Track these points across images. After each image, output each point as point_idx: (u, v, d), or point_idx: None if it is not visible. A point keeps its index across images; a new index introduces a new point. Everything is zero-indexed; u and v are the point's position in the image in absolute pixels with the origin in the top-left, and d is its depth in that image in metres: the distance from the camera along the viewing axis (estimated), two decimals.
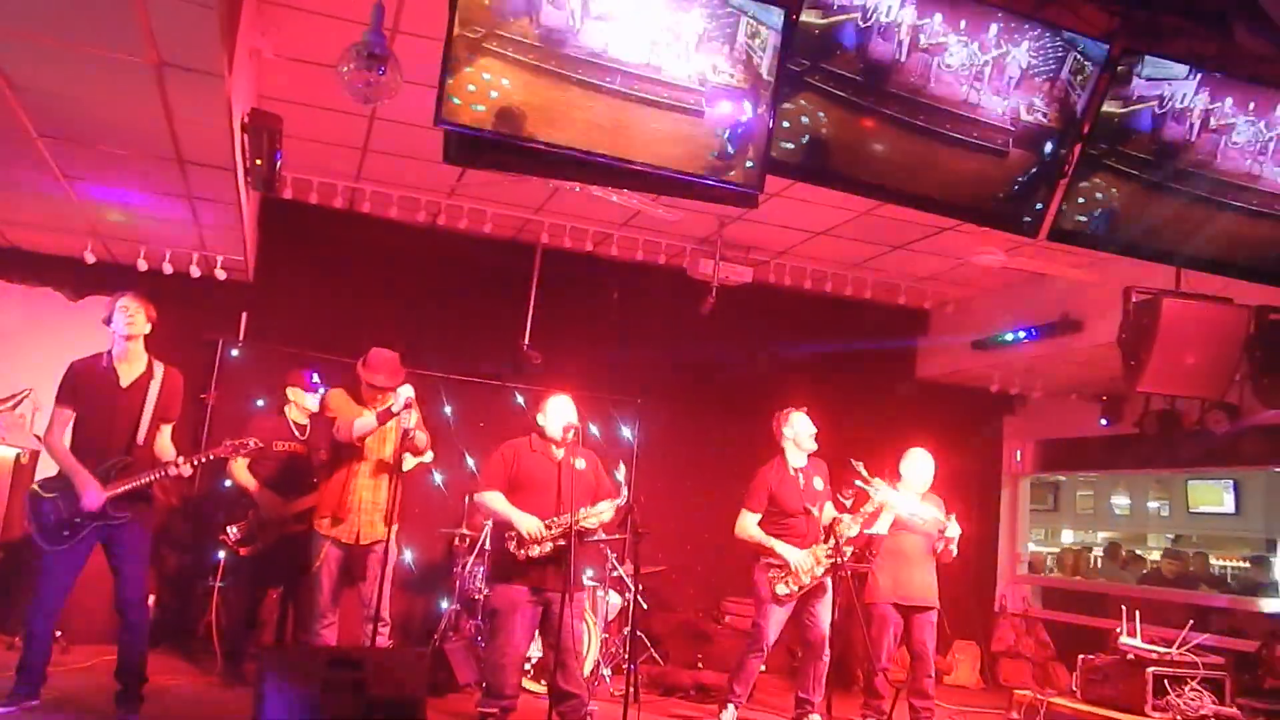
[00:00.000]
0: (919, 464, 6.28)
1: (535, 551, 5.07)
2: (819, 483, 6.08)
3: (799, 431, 6.05)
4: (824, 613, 5.94)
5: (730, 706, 5.94)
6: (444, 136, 3.85)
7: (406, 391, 5.20)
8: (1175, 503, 10.75)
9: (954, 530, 6.13)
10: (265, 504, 5.86)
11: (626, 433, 8.32)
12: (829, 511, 6.04)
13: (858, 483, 6.00)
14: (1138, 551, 10.67)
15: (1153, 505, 11.25)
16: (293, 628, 6.09)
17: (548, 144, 3.73)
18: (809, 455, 6.09)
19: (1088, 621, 8.89)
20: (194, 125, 4.62)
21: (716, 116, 3.86)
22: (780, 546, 5.84)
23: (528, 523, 5.09)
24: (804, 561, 5.80)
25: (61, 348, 5.12)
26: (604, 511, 5.35)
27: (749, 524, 5.97)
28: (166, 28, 3.65)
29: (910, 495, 6.19)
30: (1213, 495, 10.09)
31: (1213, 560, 9.78)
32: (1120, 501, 11.68)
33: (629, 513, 5.57)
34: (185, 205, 5.89)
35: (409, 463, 5.61)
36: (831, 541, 5.85)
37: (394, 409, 5.14)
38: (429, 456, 5.88)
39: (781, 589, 5.81)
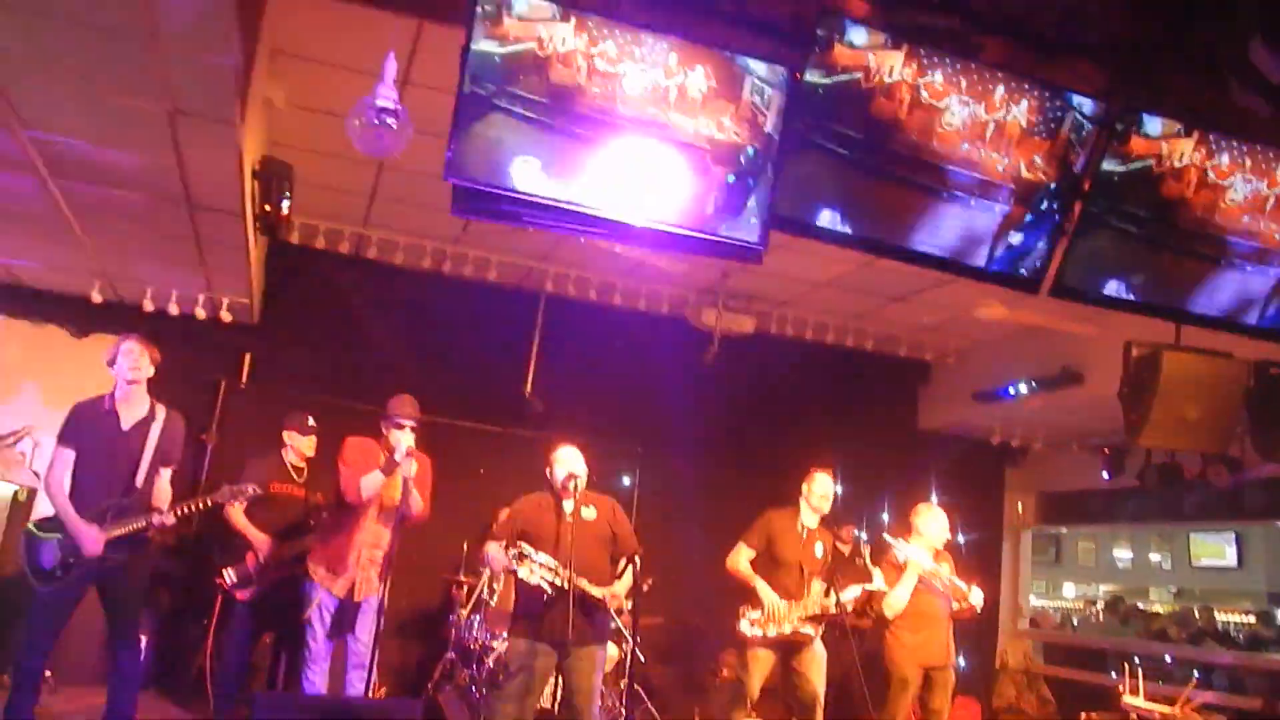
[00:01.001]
0: (934, 520, 6.20)
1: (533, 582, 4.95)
2: (819, 549, 6.04)
3: (812, 490, 6.06)
4: (814, 672, 5.88)
5: None
6: (452, 189, 3.89)
7: (407, 440, 5.24)
8: (1177, 556, 10.70)
9: (977, 599, 6.11)
10: (261, 547, 5.84)
11: (626, 482, 8.30)
12: (816, 586, 5.93)
13: (887, 537, 5.98)
14: (1140, 605, 10.59)
15: (1155, 558, 11.20)
16: (285, 674, 6.04)
17: (554, 199, 3.77)
18: (820, 520, 6.08)
19: (1090, 678, 8.80)
20: (206, 171, 4.69)
21: (722, 173, 3.91)
22: (761, 587, 5.84)
23: (520, 568, 4.96)
24: (780, 608, 5.78)
25: (64, 385, 5.16)
26: (625, 582, 5.23)
27: (740, 558, 5.99)
28: (184, 77, 3.73)
29: (927, 553, 6.14)
30: (1215, 549, 10.04)
31: (1216, 614, 9.70)
32: (1122, 554, 11.62)
33: (630, 564, 5.53)
34: (193, 248, 5.94)
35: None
36: (818, 599, 5.80)
37: (396, 457, 5.16)
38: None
39: (747, 626, 5.80)
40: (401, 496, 5.16)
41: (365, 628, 5.24)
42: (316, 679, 5.26)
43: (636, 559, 5.19)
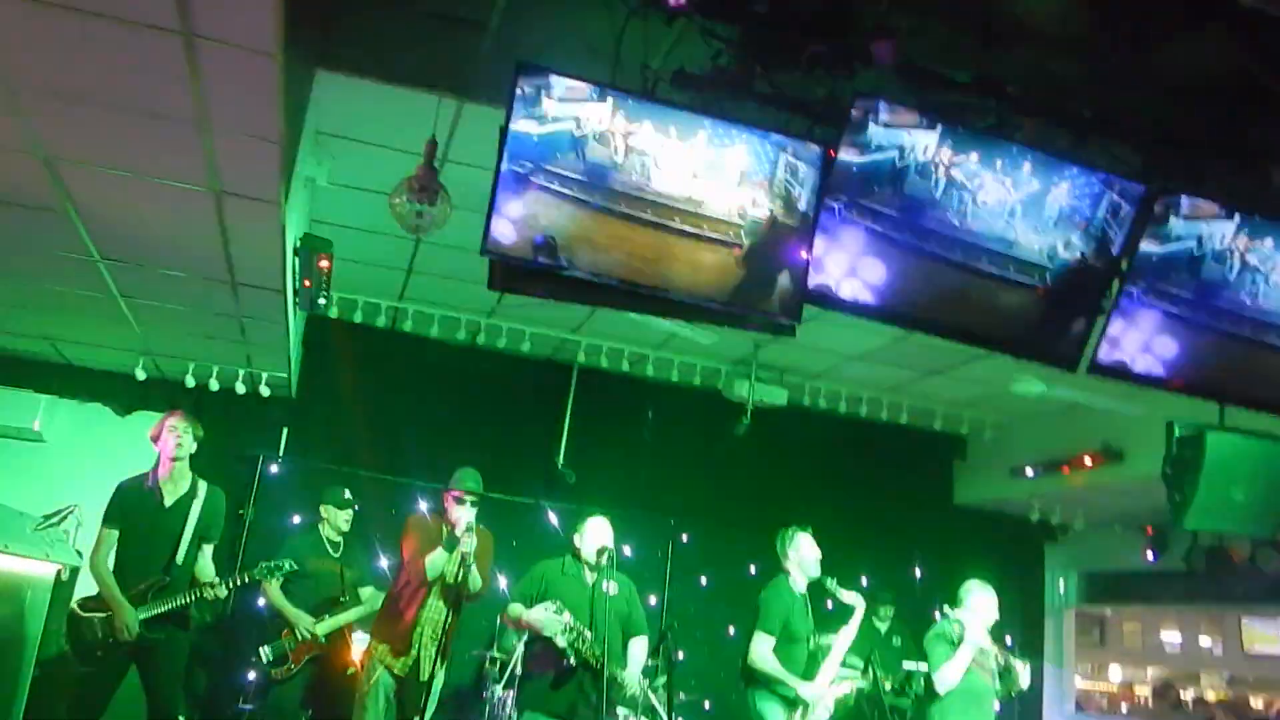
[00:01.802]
0: (985, 597, 5.95)
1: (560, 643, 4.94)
2: (809, 612, 5.87)
3: (804, 556, 5.84)
4: None
5: None
6: (489, 264, 3.95)
7: (468, 516, 5.26)
8: (1229, 641, 10.33)
9: (1024, 679, 5.92)
10: (298, 623, 5.81)
11: (659, 555, 8.22)
12: (827, 641, 5.81)
13: (946, 609, 5.82)
14: (1191, 691, 10.22)
15: (1205, 643, 10.83)
16: None
17: (589, 273, 3.81)
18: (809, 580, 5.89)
19: None
20: (249, 249, 4.78)
21: (755, 249, 3.93)
22: (798, 682, 5.56)
23: (537, 616, 5.02)
24: (820, 697, 5.58)
25: (109, 462, 5.22)
26: (632, 665, 5.22)
27: (765, 650, 5.63)
28: (231, 160, 3.83)
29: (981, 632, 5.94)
30: (1269, 635, 9.70)
31: (1270, 703, 9.33)
32: (1170, 638, 11.26)
33: (663, 639, 5.46)
34: (235, 324, 6.05)
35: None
36: (848, 675, 5.65)
37: (457, 533, 5.17)
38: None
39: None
40: (460, 573, 5.16)
41: (428, 710, 5.22)
42: None
43: (670, 632, 5.16)
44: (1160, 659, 11.30)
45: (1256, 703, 9.46)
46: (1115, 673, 11.71)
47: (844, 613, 5.86)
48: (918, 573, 8.63)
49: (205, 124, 3.58)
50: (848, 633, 5.80)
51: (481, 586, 5.39)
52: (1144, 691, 10.76)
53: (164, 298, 5.72)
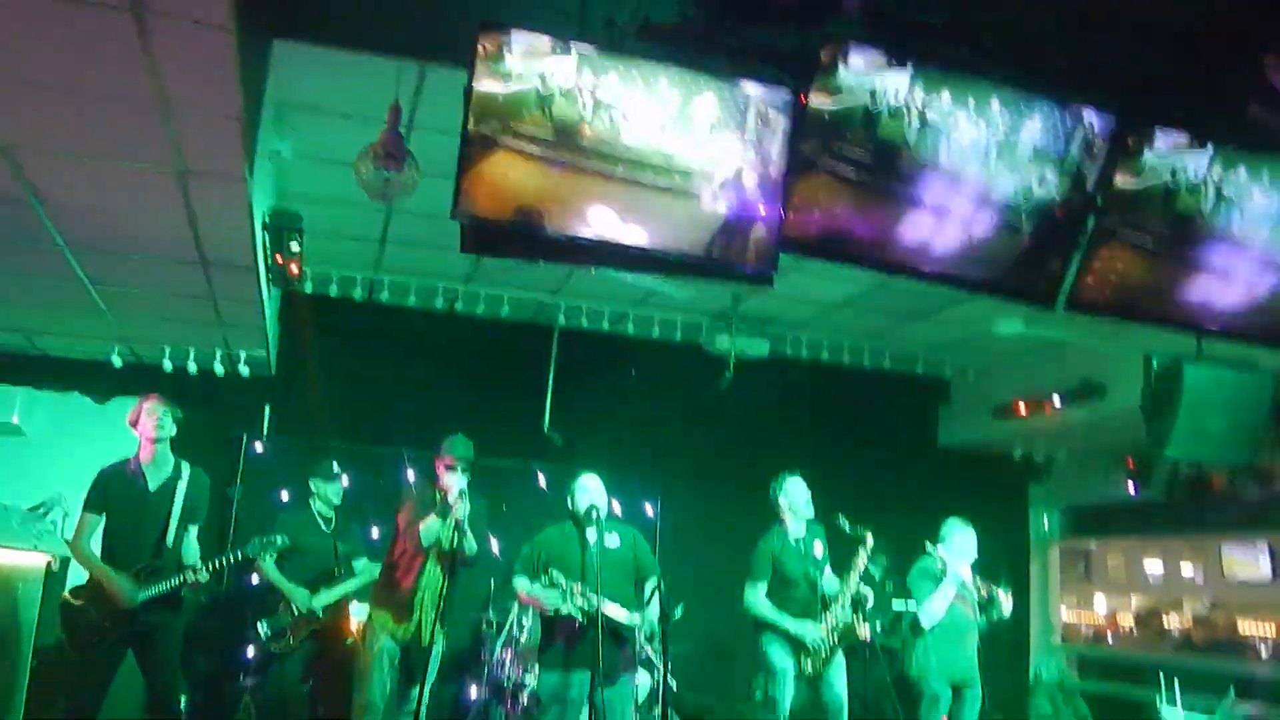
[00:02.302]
0: (965, 535, 6.19)
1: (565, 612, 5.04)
2: (819, 550, 5.96)
3: (794, 499, 5.95)
4: (837, 679, 5.81)
5: None
6: (461, 228, 3.91)
7: (460, 482, 5.35)
8: (1209, 568, 10.50)
9: (1008, 607, 6.12)
10: (295, 598, 5.82)
11: (649, 510, 8.26)
12: (830, 580, 5.93)
13: (929, 545, 6.01)
14: (1173, 618, 10.40)
15: (1187, 571, 11.01)
16: None
17: (562, 233, 3.78)
18: (806, 524, 6.00)
19: (1127, 692, 8.64)
20: (217, 228, 4.71)
21: (729, 200, 3.91)
22: (792, 624, 5.71)
23: (539, 592, 5.13)
24: (816, 636, 5.69)
25: (90, 451, 5.17)
26: (641, 617, 5.32)
27: (756, 597, 5.84)
28: (192, 139, 3.76)
29: (962, 567, 6.10)
30: (1248, 561, 9.85)
31: (1252, 627, 9.50)
32: (1153, 567, 11.44)
33: (655, 591, 5.52)
34: (209, 305, 5.98)
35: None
36: (845, 612, 5.75)
37: (450, 500, 5.27)
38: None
39: (781, 665, 5.68)
40: (455, 539, 5.27)
41: (427, 674, 5.31)
42: None
43: (661, 585, 5.22)
44: (1144, 588, 11.48)
45: (1237, 626, 9.64)
46: (1100, 603, 11.91)
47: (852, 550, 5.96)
48: (905, 516, 8.70)
49: (163, 103, 3.50)
50: (859, 562, 5.90)
51: (476, 551, 5.49)
52: (1127, 621, 10.95)
53: (135, 283, 5.64)
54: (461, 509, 5.30)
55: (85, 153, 3.96)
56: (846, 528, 5.81)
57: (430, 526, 5.36)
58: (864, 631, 5.63)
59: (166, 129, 3.67)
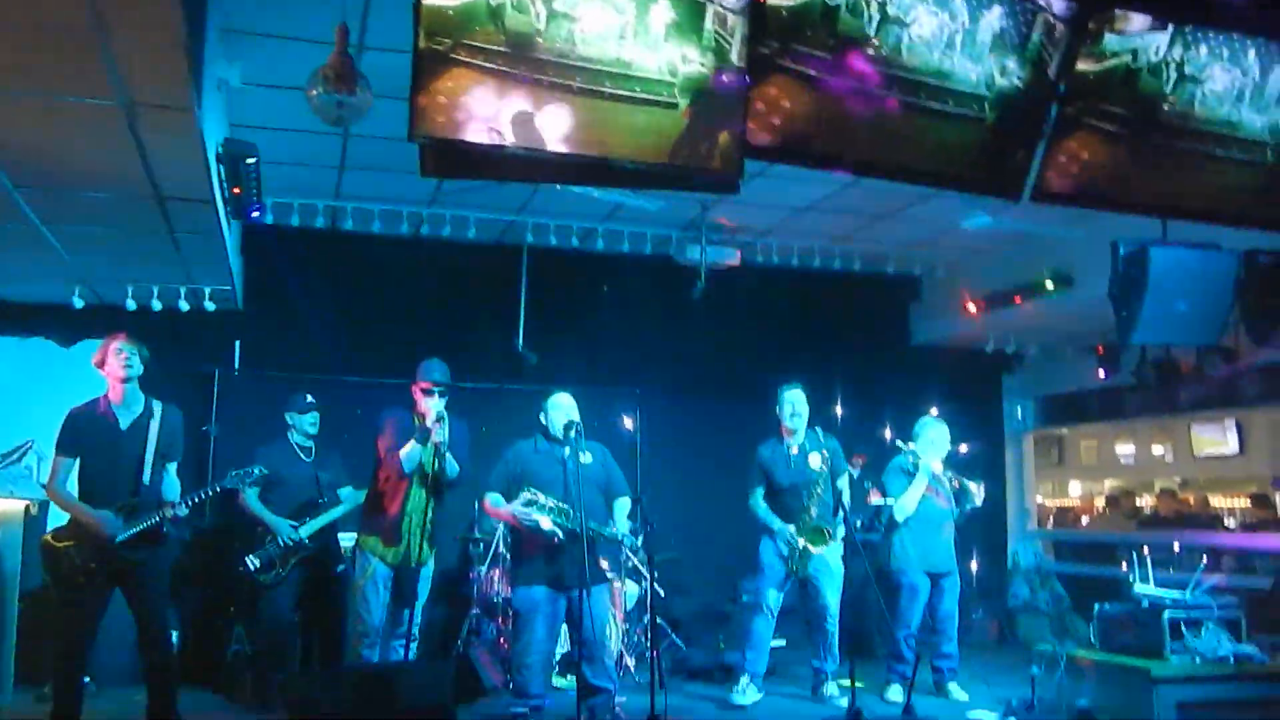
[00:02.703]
0: (937, 431, 6.36)
1: (547, 527, 5.09)
2: (815, 460, 6.12)
3: (781, 410, 6.20)
4: (826, 583, 6.07)
5: (744, 676, 6.06)
6: (419, 150, 3.84)
7: (438, 406, 5.42)
8: (1179, 448, 10.78)
9: (980, 497, 6.33)
10: (280, 530, 5.86)
11: (628, 424, 8.32)
12: (841, 487, 6.11)
13: (900, 443, 6.33)
14: (1145, 498, 10.73)
15: (1158, 451, 11.29)
16: (321, 653, 6.13)
17: (523, 149, 3.71)
18: (811, 433, 6.14)
19: (1101, 572, 8.92)
20: (169, 162, 4.59)
21: (690, 107, 3.85)
22: (773, 521, 6.04)
23: (519, 511, 5.14)
24: (790, 534, 5.96)
25: (58, 396, 5.12)
26: (620, 525, 5.45)
27: (754, 499, 6.19)
28: (133, 68, 3.63)
29: (933, 460, 6.27)
30: (1215, 438, 10.12)
31: (1220, 501, 9.82)
32: (1125, 450, 11.72)
33: (637, 503, 5.62)
34: (168, 241, 5.87)
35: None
36: (832, 515, 5.97)
37: (429, 424, 5.34)
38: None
39: (771, 559, 6.03)
40: (436, 462, 5.36)
41: (422, 595, 5.50)
42: (367, 652, 5.42)
43: (644, 498, 5.33)
44: (1116, 471, 11.82)
45: (1207, 500, 9.94)
46: (1075, 489, 12.24)
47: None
48: (882, 415, 8.81)
49: (101, 31, 3.37)
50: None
51: (459, 472, 5.55)
52: (1100, 503, 11.27)
53: (89, 221, 5.51)
54: (440, 433, 5.35)
55: (23, 88, 3.82)
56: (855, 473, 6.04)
57: (411, 452, 5.41)
58: (826, 541, 5.94)
59: (107, 59, 3.55)
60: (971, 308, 8.20)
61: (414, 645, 5.54)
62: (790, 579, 6.08)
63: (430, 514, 5.50)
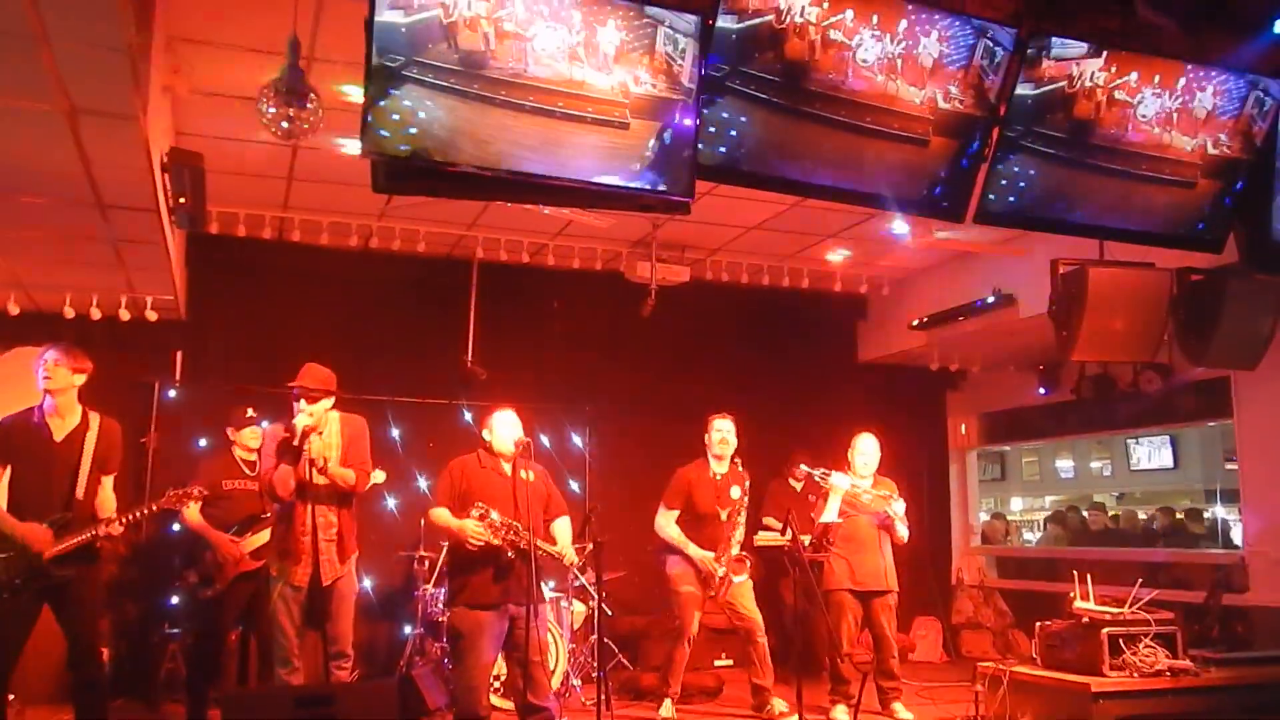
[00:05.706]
0: (865, 448, 6.41)
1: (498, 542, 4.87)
2: (735, 491, 6.21)
3: (711, 438, 6.28)
4: (745, 600, 6.15)
5: (667, 700, 6.11)
6: (371, 166, 3.82)
7: (302, 420, 4.84)
8: (1117, 462, 11.05)
9: (899, 507, 6.30)
10: (221, 545, 5.75)
11: (578, 441, 8.32)
12: (738, 533, 6.18)
13: (803, 467, 6.38)
14: (1084, 512, 10.95)
15: (1096, 466, 11.56)
16: (256, 669, 5.99)
17: (475, 167, 3.73)
18: (731, 464, 6.27)
19: (1043, 587, 9.09)
20: (112, 169, 4.52)
21: (641, 127, 3.89)
22: (692, 549, 6.07)
23: (470, 527, 4.87)
24: (710, 563, 6.02)
25: None
26: (566, 547, 5.33)
27: (666, 521, 6.20)
28: (76, 74, 3.58)
29: (863, 480, 6.30)
30: (1152, 452, 10.40)
31: (1156, 515, 10.04)
32: (1065, 465, 11.98)
33: (587, 521, 5.58)
34: (109, 248, 5.76)
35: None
36: (738, 542, 6.12)
37: (295, 441, 4.80)
38: (380, 476, 5.79)
39: (688, 588, 6.07)
40: (313, 476, 4.82)
41: (342, 614, 5.01)
42: (289, 679, 4.92)
43: (592, 519, 5.29)
44: (1057, 486, 12.06)
45: (1141, 512, 10.18)
46: (1016, 504, 12.46)
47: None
48: (828, 431, 8.90)
49: (45, 36, 3.32)
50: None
51: (354, 480, 5.00)
52: (1041, 518, 11.49)
53: (27, 226, 5.39)
54: (314, 445, 4.84)
55: None
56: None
57: (281, 476, 4.83)
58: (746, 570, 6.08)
59: (49, 64, 3.49)
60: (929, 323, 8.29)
61: (345, 665, 5.22)
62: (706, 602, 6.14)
63: (336, 527, 4.96)
